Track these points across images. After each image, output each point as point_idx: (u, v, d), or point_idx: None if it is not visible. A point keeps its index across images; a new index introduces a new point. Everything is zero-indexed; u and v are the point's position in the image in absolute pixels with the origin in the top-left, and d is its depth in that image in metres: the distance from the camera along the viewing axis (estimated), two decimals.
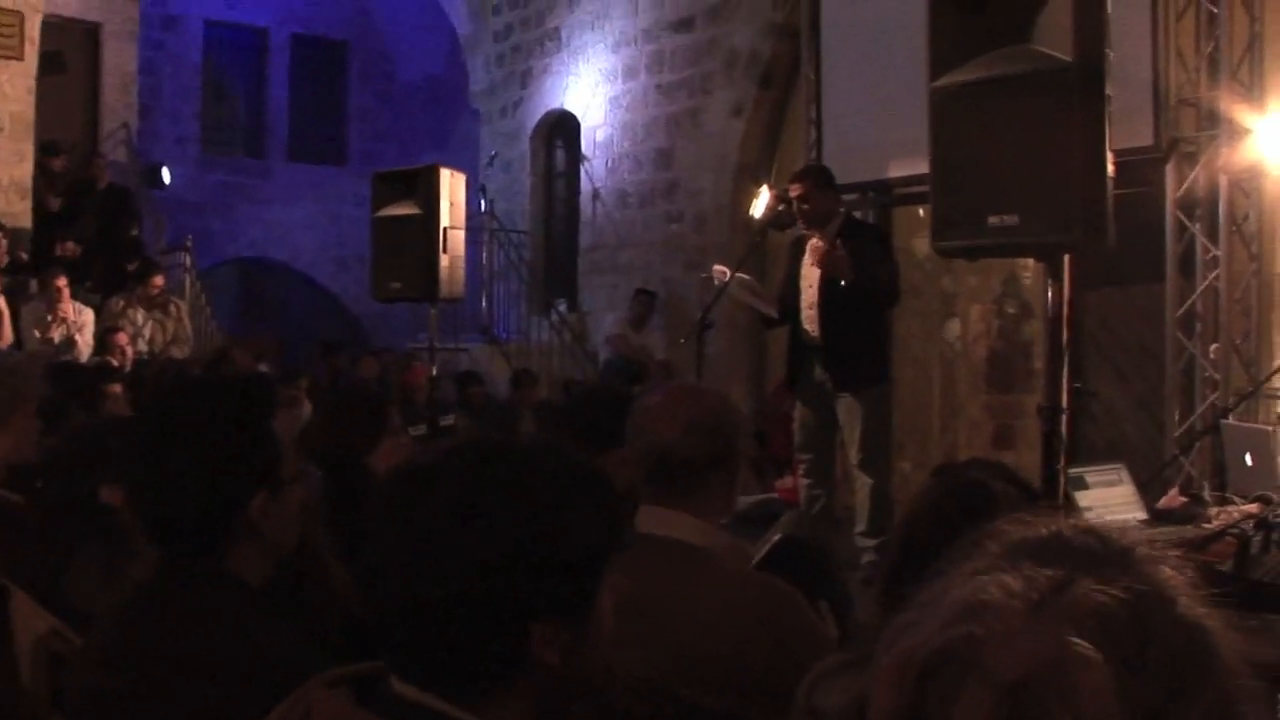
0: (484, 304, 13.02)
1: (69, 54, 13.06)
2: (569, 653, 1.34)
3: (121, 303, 10.63)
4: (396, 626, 1.33)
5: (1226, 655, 0.77)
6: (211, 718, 1.74)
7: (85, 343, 10.03)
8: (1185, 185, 7.39)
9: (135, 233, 12.02)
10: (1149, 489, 5.55)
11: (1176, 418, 7.43)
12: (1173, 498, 5.33)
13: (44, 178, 11.51)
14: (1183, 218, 7.43)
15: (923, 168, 4.50)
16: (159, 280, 10.75)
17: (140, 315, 10.61)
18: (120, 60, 13.58)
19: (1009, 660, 0.74)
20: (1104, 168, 4.17)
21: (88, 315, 10.28)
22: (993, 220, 4.09)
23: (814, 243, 6.38)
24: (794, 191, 6.61)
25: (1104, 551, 0.81)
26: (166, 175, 14.13)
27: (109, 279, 11.26)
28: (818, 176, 6.74)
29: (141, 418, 2.01)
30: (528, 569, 1.30)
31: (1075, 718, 0.72)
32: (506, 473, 1.36)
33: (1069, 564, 0.79)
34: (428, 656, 1.32)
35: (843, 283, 6.21)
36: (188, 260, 12.35)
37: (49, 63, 11.54)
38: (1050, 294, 4.30)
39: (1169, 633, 0.76)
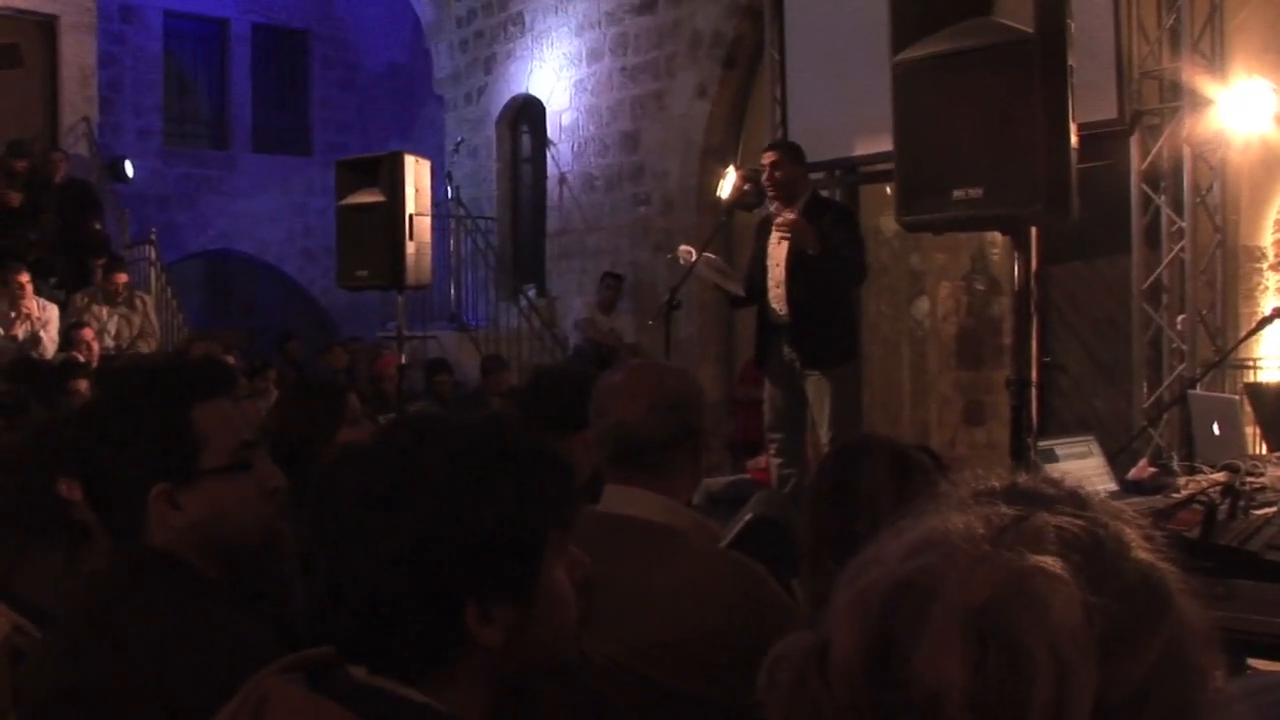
0: (452, 291, 12.98)
1: (25, 47, 12.92)
2: (515, 633, 1.32)
3: (85, 299, 10.55)
4: (331, 610, 1.32)
5: (1181, 598, 0.77)
6: (173, 708, 1.71)
7: (50, 339, 9.95)
8: (1149, 158, 7.42)
9: (98, 227, 11.90)
10: (1119, 461, 5.55)
11: (1145, 389, 7.47)
12: (1142, 468, 5.33)
13: (4, 175, 11.40)
14: (1147, 190, 7.46)
15: (889, 145, 4.49)
16: (122, 277, 10.67)
17: (105, 311, 10.53)
18: (78, 53, 13.43)
19: (974, 584, 0.72)
20: (1068, 140, 4.16)
21: (52, 311, 10.20)
22: (957, 194, 4.08)
23: (784, 215, 6.37)
24: (767, 159, 6.60)
25: (1060, 494, 0.81)
26: (129, 169, 14.02)
27: (73, 275, 11.16)
28: (792, 148, 6.77)
29: (87, 405, 1.97)
30: (453, 548, 1.29)
31: (1046, 633, 0.71)
32: (434, 451, 1.34)
33: (1026, 504, 0.79)
34: (365, 640, 1.31)
35: (810, 251, 6.21)
36: (153, 254, 12.24)
37: (5, 56, 11.42)
38: (1016, 267, 4.30)
39: (1126, 565, 0.76)
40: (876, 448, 2.47)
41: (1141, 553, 0.77)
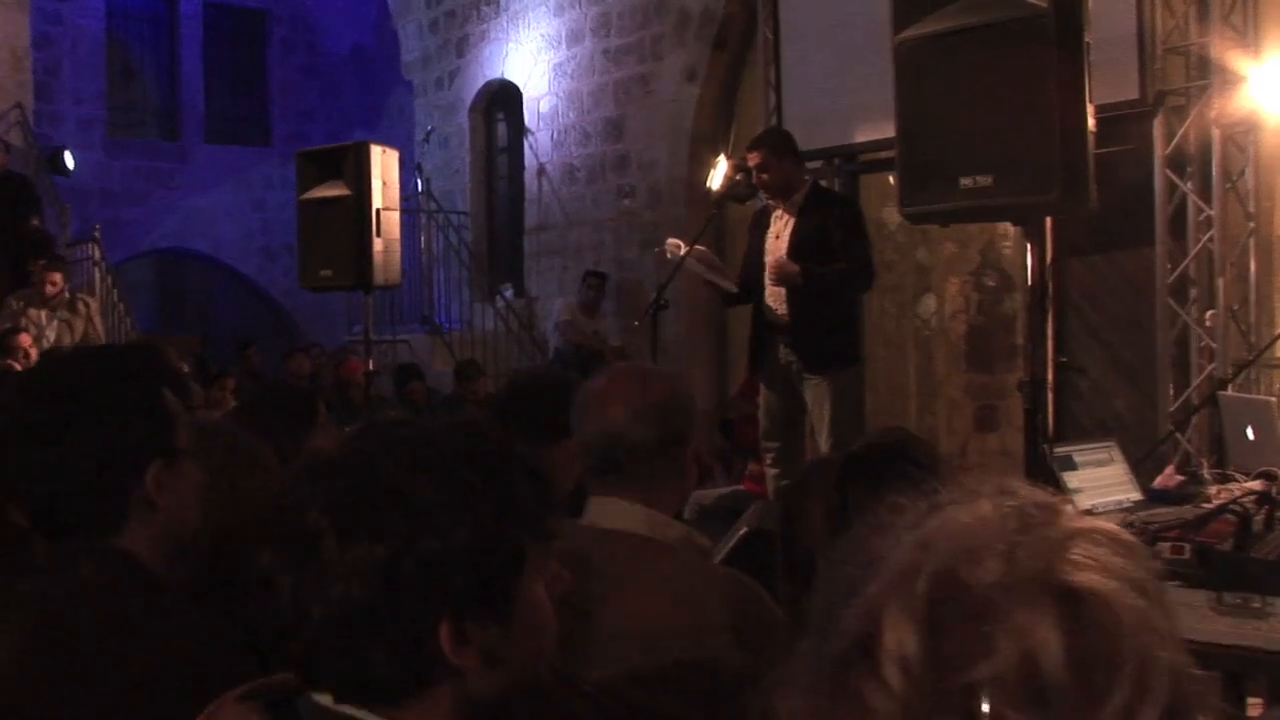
0: (423, 292, 12.98)
1: None
2: (492, 655, 1.33)
3: (20, 302, 10.46)
4: (294, 632, 1.31)
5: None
6: None
7: None
8: (1175, 140, 7.41)
9: (37, 224, 11.84)
10: (1143, 468, 5.55)
11: (1171, 391, 7.47)
12: (1169, 476, 5.33)
13: None
14: (1172, 176, 7.45)
15: (892, 131, 4.51)
16: (56, 278, 10.48)
17: (44, 315, 10.46)
18: (10, 33, 13.26)
19: (1036, 551, 0.78)
20: (1085, 123, 4.18)
21: None
22: (965, 182, 4.10)
23: (774, 243, 6.38)
24: (751, 160, 6.61)
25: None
26: (70, 160, 13.98)
27: (10, 275, 11.09)
28: (776, 142, 6.73)
29: (29, 408, 1.97)
30: (426, 563, 1.29)
31: (1118, 579, 0.78)
32: (404, 460, 1.34)
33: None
34: (331, 664, 1.31)
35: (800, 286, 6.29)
36: (97, 253, 12.20)
37: None
38: (1030, 260, 4.32)
39: None
40: (819, 470, 2.52)
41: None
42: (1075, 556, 0.78)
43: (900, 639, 0.76)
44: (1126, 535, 0.82)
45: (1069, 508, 0.83)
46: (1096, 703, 0.73)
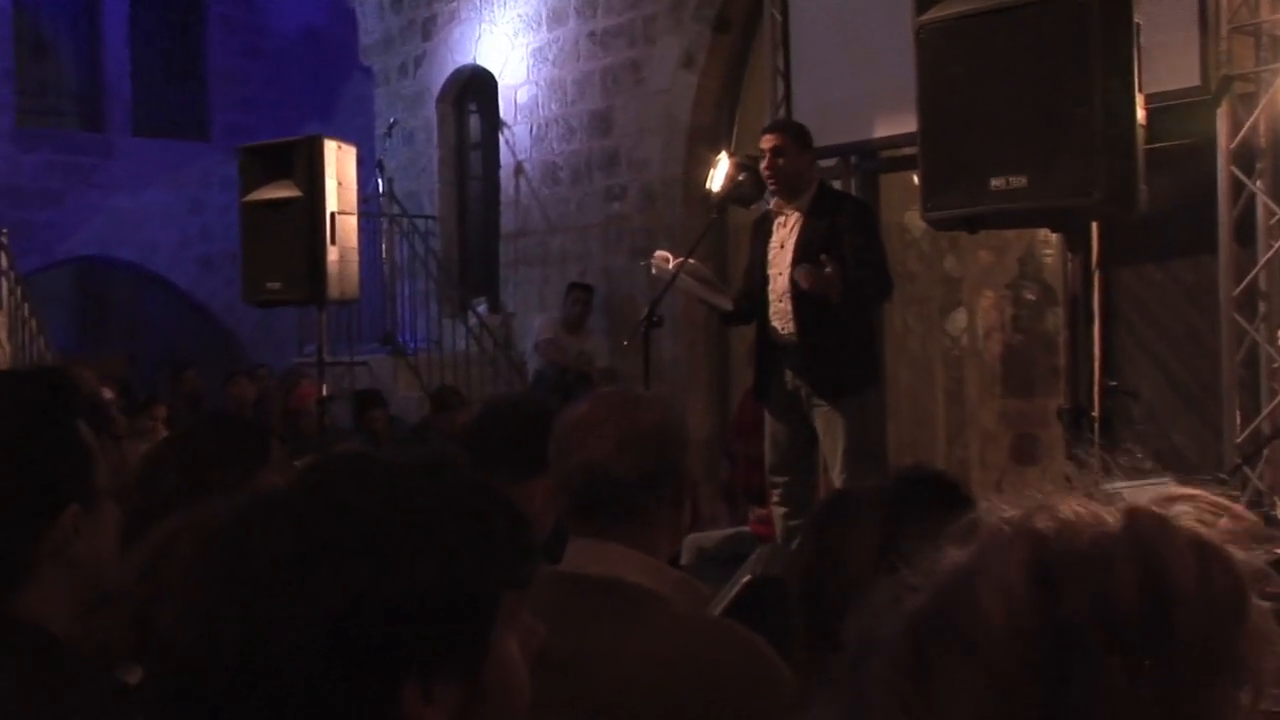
0: (385, 307, 12.98)
1: None
2: (459, 716, 1.33)
3: None
4: (240, 694, 1.30)
5: None
6: None
7: None
8: (1242, 133, 7.38)
9: None
10: None
11: (1237, 419, 7.45)
12: None
13: None
14: (1239, 173, 7.43)
15: (915, 125, 4.54)
16: None
17: None
18: None
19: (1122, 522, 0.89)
20: (1133, 114, 4.22)
21: None
22: (996, 183, 4.14)
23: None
24: (767, 143, 6.66)
25: None
26: None
27: None
28: (797, 131, 6.83)
29: None
30: (388, 614, 1.29)
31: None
32: (363, 497, 1.34)
33: None
34: None
35: (834, 299, 6.28)
36: (4, 261, 12.15)
37: None
38: (1069, 271, 4.37)
39: None
40: (862, 502, 2.47)
41: None
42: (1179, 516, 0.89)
43: (999, 619, 0.85)
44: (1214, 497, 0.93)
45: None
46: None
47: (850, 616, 0.93)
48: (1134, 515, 0.88)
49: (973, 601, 0.86)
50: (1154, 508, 0.90)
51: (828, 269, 6.22)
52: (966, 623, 0.86)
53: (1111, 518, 0.89)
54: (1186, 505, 0.91)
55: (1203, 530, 0.88)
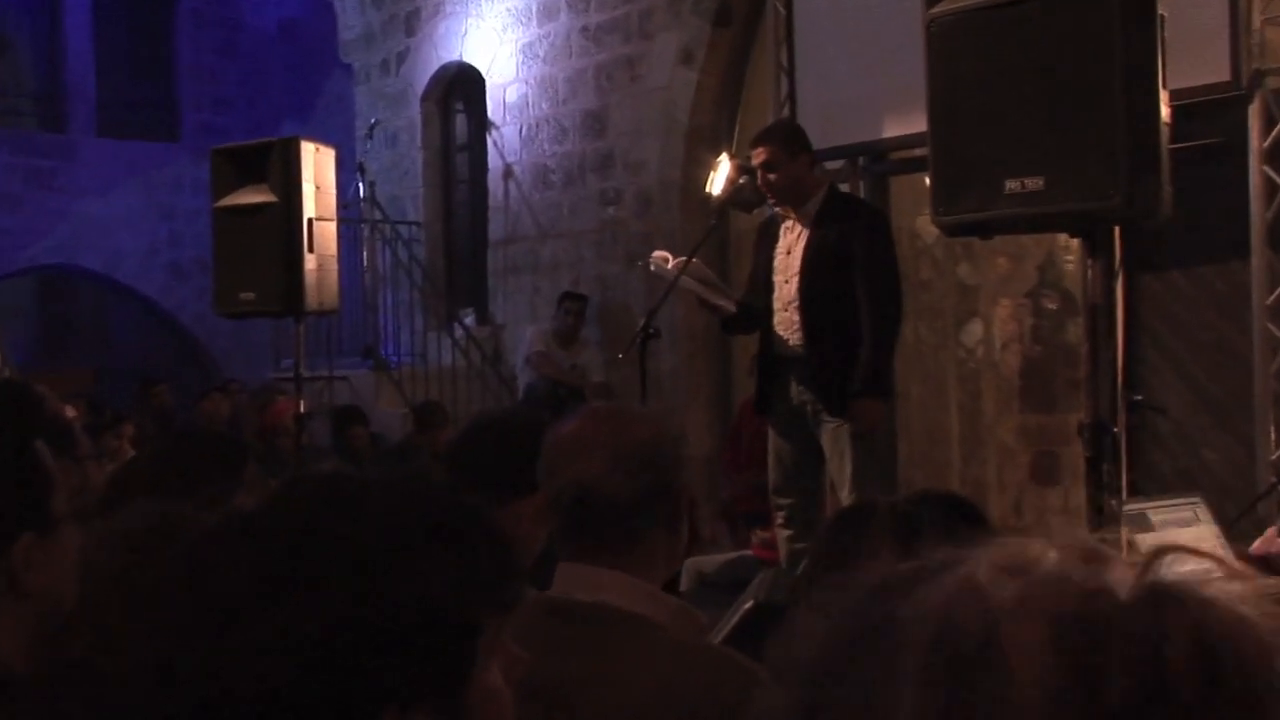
0: (367, 319, 12.99)
1: None
2: None
3: None
4: None
5: None
6: None
7: None
8: (1276, 131, 7.40)
9: None
10: (1237, 530, 5.58)
11: (1272, 435, 7.45)
12: (1270, 540, 5.36)
13: None
14: (1272, 173, 7.43)
15: (926, 125, 4.55)
16: None
17: None
18: None
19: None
20: (1157, 112, 4.23)
21: None
22: (1011, 185, 4.14)
23: (784, 259, 6.40)
24: (757, 158, 6.67)
25: None
26: None
27: None
28: (787, 138, 6.80)
29: None
30: (365, 641, 1.29)
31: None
32: (340, 519, 1.35)
33: None
34: None
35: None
36: None
37: None
38: (1090, 278, 4.37)
39: None
40: (877, 514, 2.48)
41: None
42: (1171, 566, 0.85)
43: (1033, 670, 0.80)
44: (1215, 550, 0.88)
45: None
46: None
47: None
48: (1157, 590, 0.84)
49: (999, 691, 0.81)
50: (1158, 568, 0.85)
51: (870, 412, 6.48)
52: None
53: (1121, 585, 0.83)
54: (1190, 563, 0.86)
55: (1229, 598, 0.85)
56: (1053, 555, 0.85)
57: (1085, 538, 0.88)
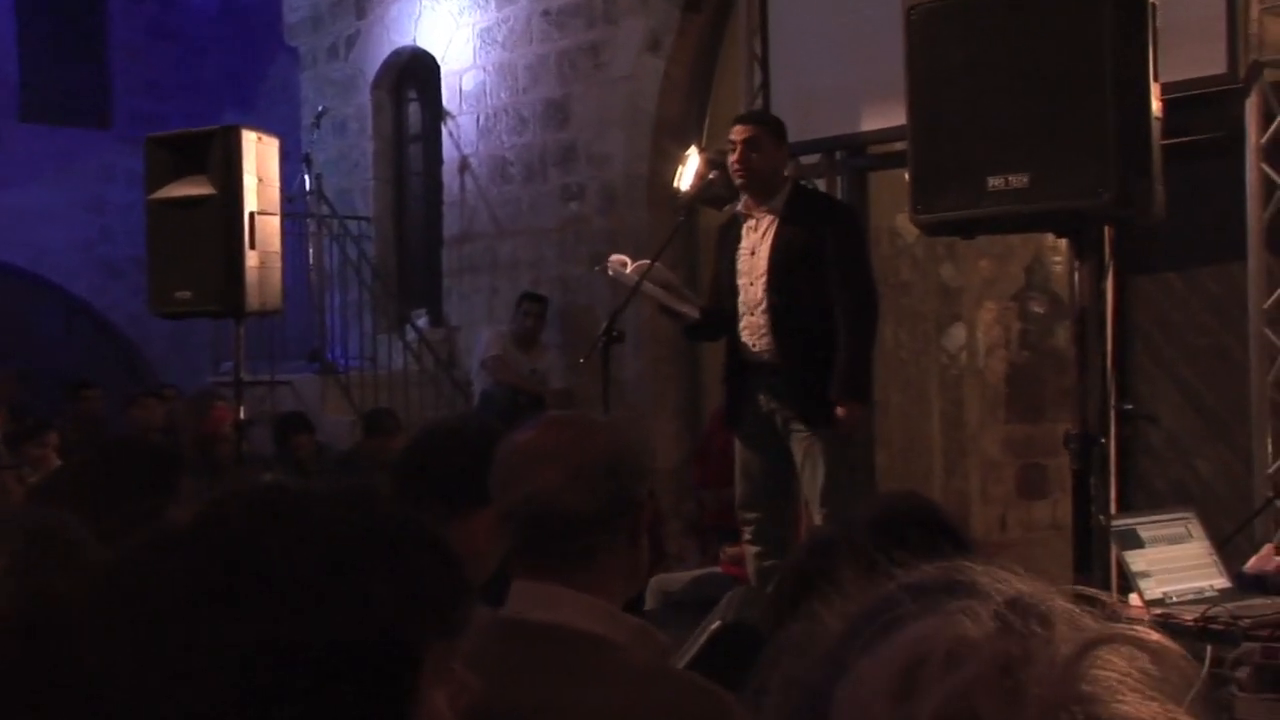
0: (312, 320, 12.96)
1: None
2: None
3: None
4: None
5: None
6: None
7: None
8: (1275, 126, 7.43)
9: None
10: (1232, 546, 5.62)
11: (1269, 447, 7.48)
12: (1266, 557, 5.39)
13: None
14: (1270, 171, 7.45)
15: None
16: None
17: None
18: None
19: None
20: (1149, 106, 4.26)
21: None
22: (994, 182, 4.16)
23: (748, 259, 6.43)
24: (740, 134, 6.68)
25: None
26: None
27: None
28: (776, 124, 6.87)
29: None
30: (302, 663, 1.29)
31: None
32: (276, 533, 1.35)
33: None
34: None
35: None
36: None
37: None
38: (1078, 280, 4.39)
39: None
40: (850, 536, 2.47)
41: None
42: (1097, 675, 0.80)
43: None
44: (1154, 635, 0.84)
45: (1061, 601, 0.85)
46: None
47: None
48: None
49: None
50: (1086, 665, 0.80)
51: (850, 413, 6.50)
52: None
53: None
54: (1118, 656, 0.81)
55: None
56: (985, 653, 0.80)
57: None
